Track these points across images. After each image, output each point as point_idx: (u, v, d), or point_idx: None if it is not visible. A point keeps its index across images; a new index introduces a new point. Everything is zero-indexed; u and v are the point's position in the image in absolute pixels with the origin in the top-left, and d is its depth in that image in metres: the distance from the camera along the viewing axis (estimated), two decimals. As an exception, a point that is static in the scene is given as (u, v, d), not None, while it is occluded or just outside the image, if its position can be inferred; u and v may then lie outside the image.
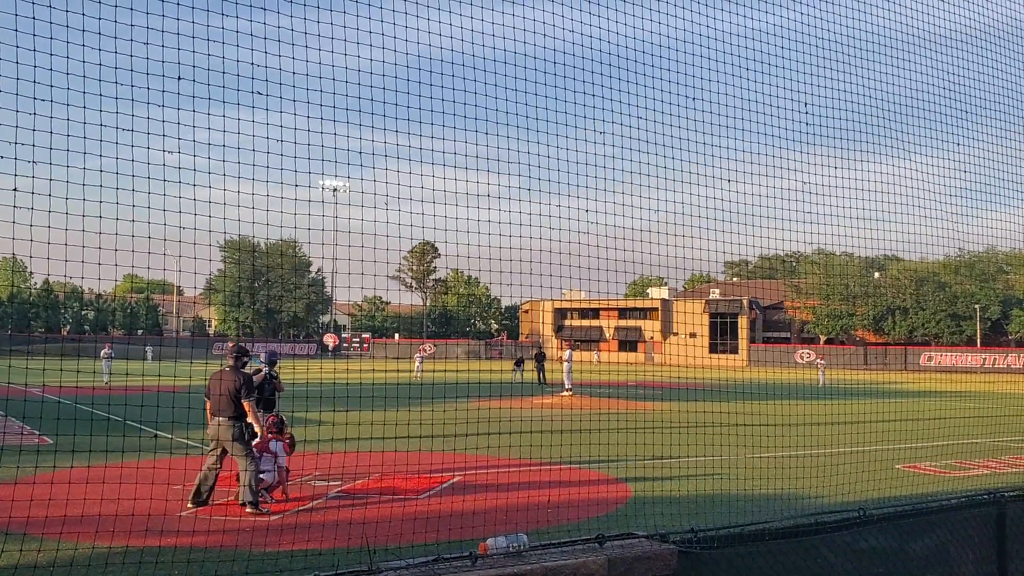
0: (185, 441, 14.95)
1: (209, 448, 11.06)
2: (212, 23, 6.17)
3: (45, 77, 5.58)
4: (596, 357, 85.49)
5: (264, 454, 11.17)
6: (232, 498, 11.18)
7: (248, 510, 10.41)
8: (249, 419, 11.02)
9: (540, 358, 42.04)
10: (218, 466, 10.93)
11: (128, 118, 5.99)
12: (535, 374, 39.45)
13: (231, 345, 12.10)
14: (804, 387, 40.83)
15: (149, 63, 5.92)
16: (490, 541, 5.02)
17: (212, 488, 10.92)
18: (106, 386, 31.64)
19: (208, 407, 11.11)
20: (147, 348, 63.30)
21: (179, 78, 6.02)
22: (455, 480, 12.72)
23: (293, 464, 12.37)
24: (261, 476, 10.89)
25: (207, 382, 11.18)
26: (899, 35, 10.06)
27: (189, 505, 10.59)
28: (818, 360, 61.24)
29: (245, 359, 11.42)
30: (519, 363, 46.11)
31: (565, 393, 30.61)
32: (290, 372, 27.71)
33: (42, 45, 5.56)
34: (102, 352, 39.52)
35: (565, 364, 32.21)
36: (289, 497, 11.35)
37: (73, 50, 5.66)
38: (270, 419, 11.94)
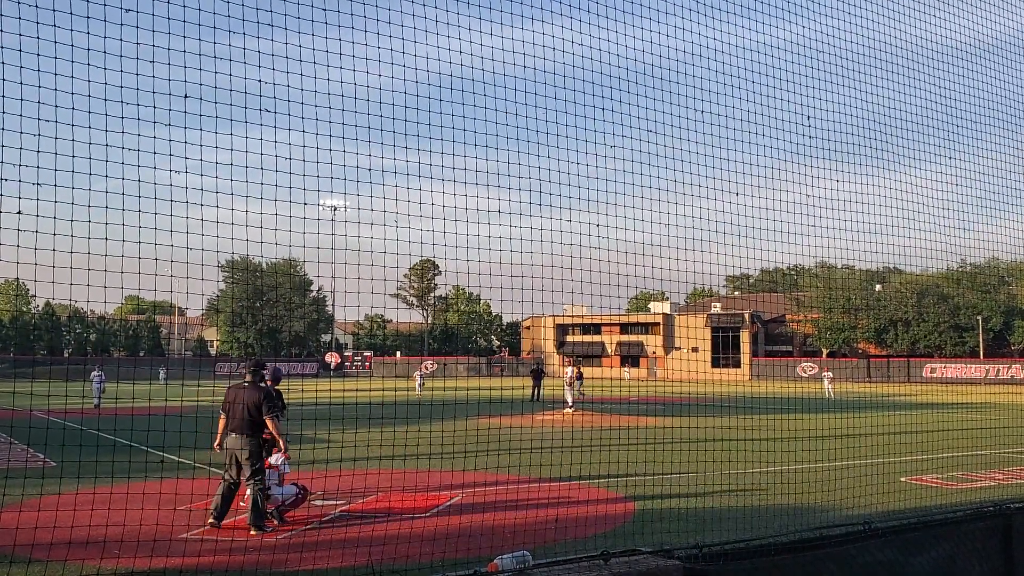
0: (192, 463, 14.93)
1: (224, 464, 10.96)
2: (219, 41, 6.24)
3: (50, 98, 5.64)
4: (627, 374, 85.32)
5: (267, 469, 11.10)
6: (239, 518, 11.15)
7: (252, 532, 10.34)
8: (270, 435, 10.93)
9: (538, 375, 41.91)
10: (236, 482, 10.86)
11: (134, 138, 6.04)
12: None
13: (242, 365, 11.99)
14: (807, 400, 40.63)
15: (155, 82, 5.98)
16: (498, 560, 5.02)
17: (229, 504, 10.85)
18: (95, 408, 30.66)
19: (222, 422, 11.03)
20: (161, 369, 62.78)
21: (185, 96, 6.09)
22: (459, 498, 12.69)
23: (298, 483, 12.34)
24: (270, 493, 10.84)
25: (225, 395, 11.07)
26: (900, 49, 10.15)
27: (211, 520, 10.53)
28: (825, 372, 59.87)
29: (263, 373, 11.34)
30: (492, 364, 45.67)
31: (568, 410, 30.69)
32: (298, 393, 27.68)
33: (46, 66, 5.61)
34: (92, 374, 37.23)
35: (570, 381, 32.16)
36: (285, 519, 11.20)
37: (78, 70, 5.72)
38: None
